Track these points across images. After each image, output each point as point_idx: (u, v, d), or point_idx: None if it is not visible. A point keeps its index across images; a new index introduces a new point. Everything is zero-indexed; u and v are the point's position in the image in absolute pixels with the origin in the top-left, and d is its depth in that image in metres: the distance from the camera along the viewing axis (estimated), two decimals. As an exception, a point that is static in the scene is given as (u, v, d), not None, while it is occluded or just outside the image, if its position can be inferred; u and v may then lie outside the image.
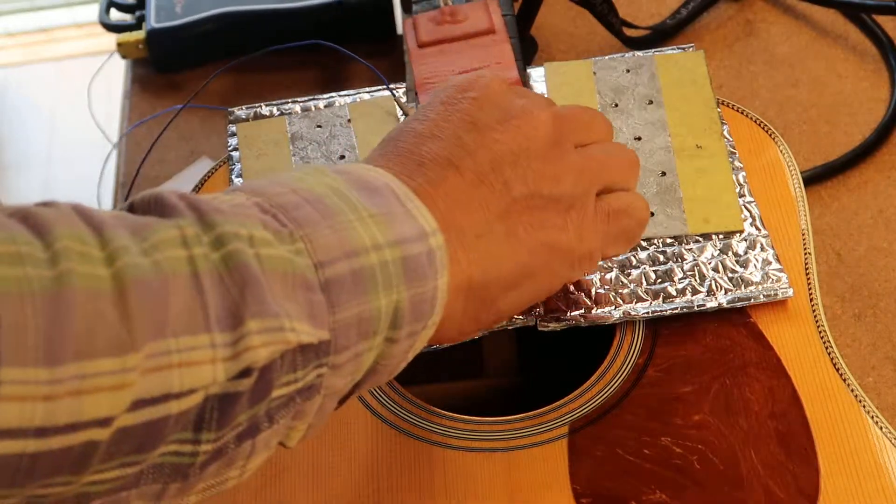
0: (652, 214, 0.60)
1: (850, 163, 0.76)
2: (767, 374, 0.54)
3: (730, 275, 0.57)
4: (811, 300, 0.57)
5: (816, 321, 0.56)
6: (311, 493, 0.52)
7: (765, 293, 0.57)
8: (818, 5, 0.81)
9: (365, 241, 0.40)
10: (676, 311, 0.56)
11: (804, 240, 0.59)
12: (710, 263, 0.58)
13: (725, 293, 0.57)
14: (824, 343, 0.55)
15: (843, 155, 0.76)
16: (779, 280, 0.57)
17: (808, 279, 0.58)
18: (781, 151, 0.63)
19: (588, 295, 0.57)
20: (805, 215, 0.60)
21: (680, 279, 0.57)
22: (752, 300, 0.56)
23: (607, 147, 0.51)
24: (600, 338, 0.57)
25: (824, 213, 0.73)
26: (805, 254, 0.59)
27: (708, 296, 0.57)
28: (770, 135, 0.64)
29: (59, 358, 0.32)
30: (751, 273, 0.57)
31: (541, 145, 0.47)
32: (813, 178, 0.75)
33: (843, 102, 0.80)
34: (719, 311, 0.57)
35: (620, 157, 0.51)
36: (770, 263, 0.58)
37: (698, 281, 0.57)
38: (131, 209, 0.39)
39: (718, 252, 0.58)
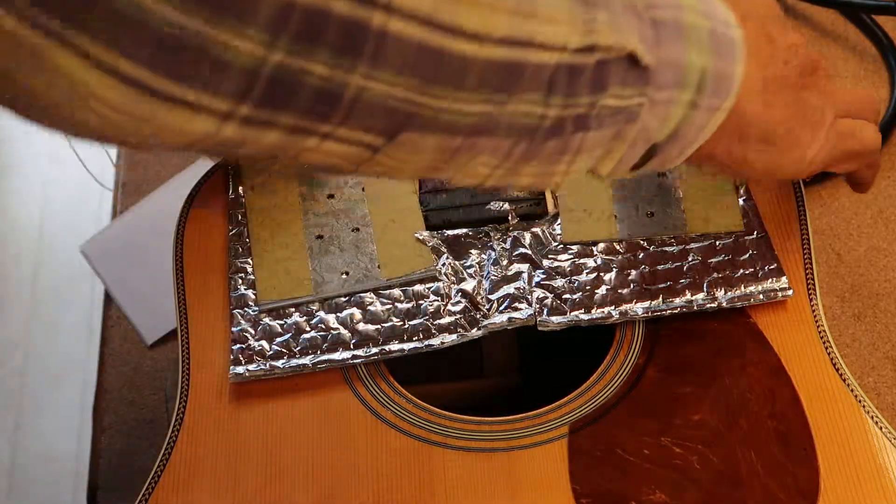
0: (652, 215, 0.60)
1: (850, 163, 0.76)
2: (767, 374, 0.54)
3: (730, 275, 0.57)
4: (811, 300, 0.57)
5: (816, 321, 0.56)
6: (311, 493, 0.52)
7: (764, 293, 0.57)
8: (818, 5, 0.81)
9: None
10: (676, 311, 0.56)
11: (804, 240, 0.59)
12: (710, 263, 0.58)
13: (725, 293, 0.57)
14: (824, 343, 0.55)
15: (843, 155, 0.76)
16: (779, 280, 0.57)
17: (808, 279, 0.58)
18: (781, 151, 0.63)
19: (588, 295, 0.57)
20: (805, 215, 0.60)
21: (680, 279, 0.57)
22: (752, 300, 0.56)
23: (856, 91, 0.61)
24: (600, 338, 0.57)
25: (824, 213, 0.73)
26: (805, 254, 0.59)
27: (708, 296, 0.57)
28: (770, 135, 0.64)
29: None
30: (751, 273, 0.57)
31: (809, 66, 0.53)
32: (813, 178, 0.75)
33: (843, 102, 0.79)
34: (719, 311, 0.57)
35: (862, 96, 0.58)
36: (770, 263, 0.58)
37: (698, 281, 0.57)
38: None
39: (718, 252, 0.58)
